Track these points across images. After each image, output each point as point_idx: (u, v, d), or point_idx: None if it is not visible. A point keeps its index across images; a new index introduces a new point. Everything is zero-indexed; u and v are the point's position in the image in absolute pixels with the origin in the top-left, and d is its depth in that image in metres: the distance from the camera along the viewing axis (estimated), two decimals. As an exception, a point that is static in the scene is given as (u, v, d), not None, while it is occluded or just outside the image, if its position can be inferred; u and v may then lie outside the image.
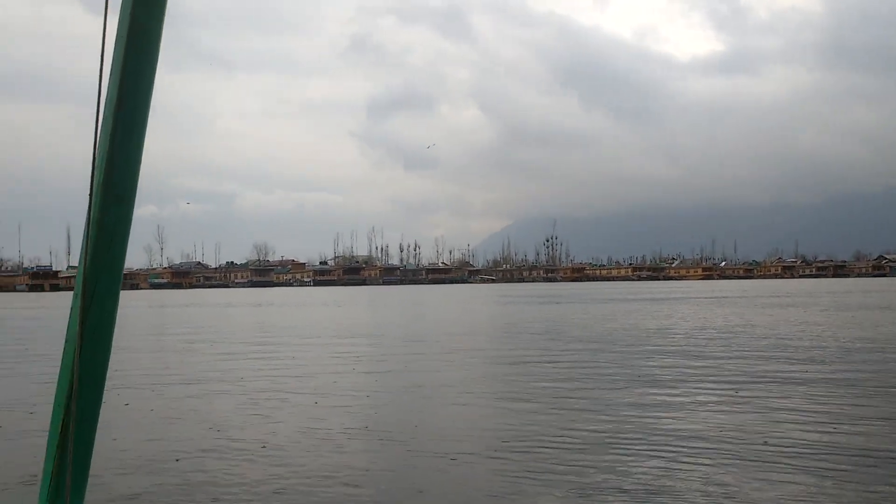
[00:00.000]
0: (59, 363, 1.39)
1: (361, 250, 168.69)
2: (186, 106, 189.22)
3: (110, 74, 1.36)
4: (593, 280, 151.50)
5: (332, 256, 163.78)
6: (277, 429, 7.11)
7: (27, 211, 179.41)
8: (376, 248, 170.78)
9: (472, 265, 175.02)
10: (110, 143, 1.34)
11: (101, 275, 1.36)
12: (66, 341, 1.38)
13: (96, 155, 1.36)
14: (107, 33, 1.37)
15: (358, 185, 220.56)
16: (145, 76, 1.35)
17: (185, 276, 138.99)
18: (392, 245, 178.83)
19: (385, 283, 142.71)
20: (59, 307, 43.01)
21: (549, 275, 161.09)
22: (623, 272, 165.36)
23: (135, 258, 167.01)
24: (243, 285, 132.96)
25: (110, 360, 1.37)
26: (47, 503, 1.35)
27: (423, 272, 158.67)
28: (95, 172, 1.35)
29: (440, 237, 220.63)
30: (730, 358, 12.40)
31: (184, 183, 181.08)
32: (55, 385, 1.39)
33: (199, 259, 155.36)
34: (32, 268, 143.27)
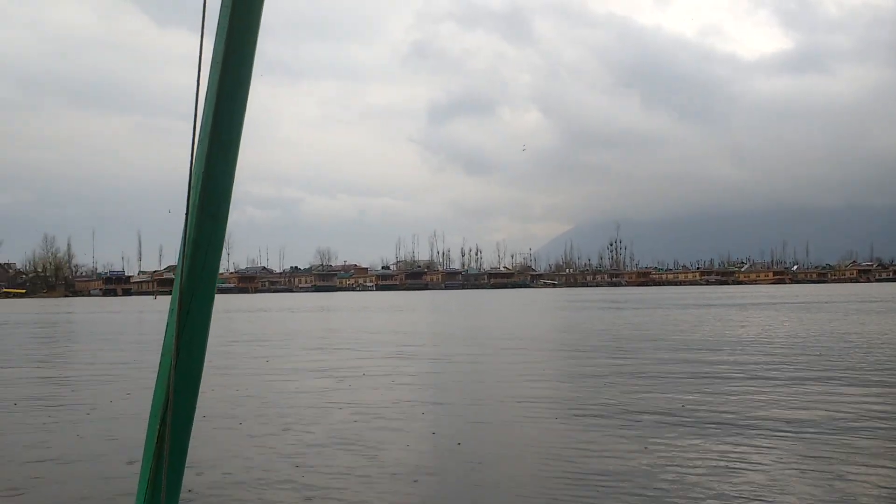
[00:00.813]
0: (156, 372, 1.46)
1: (423, 255, 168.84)
2: (251, 114, 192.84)
3: (206, 96, 1.42)
4: (659, 284, 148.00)
5: (394, 261, 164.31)
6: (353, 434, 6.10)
7: (100, 218, 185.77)
8: (437, 252, 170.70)
9: (534, 270, 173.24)
10: (206, 164, 1.40)
11: (196, 289, 1.41)
12: (162, 354, 1.43)
13: (192, 174, 1.42)
14: (195, 51, 1.46)
15: (419, 190, 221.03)
16: (239, 98, 1.41)
17: (251, 281, 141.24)
18: (453, 250, 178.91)
19: (447, 287, 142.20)
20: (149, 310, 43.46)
21: (614, 279, 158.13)
22: (690, 276, 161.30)
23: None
24: (307, 290, 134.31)
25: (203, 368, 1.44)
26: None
27: (485, 277, 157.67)
28: (191, 192, 1.42)
29: (501, 241, 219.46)
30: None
31: (249, 190, 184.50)
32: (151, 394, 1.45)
33: (264, 264, 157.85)
34: (106, 273, 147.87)
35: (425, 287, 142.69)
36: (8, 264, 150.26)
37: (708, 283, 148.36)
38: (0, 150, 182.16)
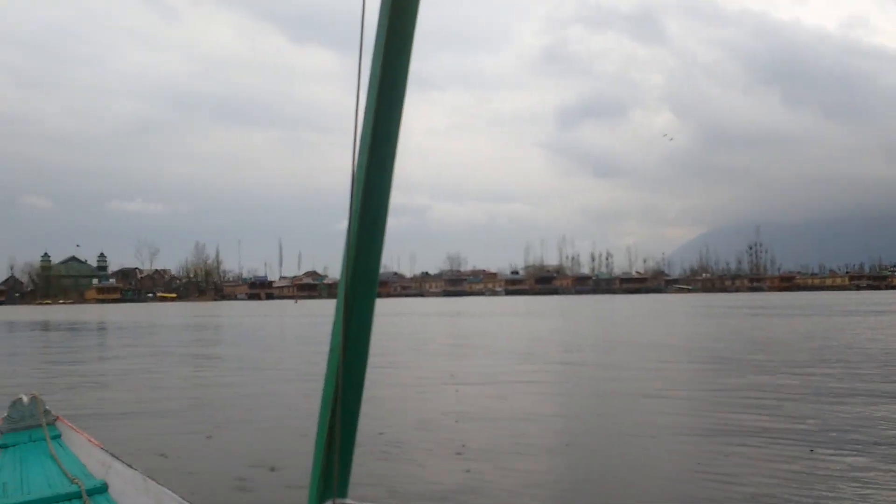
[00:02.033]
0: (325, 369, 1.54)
1: (551, 260, 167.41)
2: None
3: (365, 110, 1.48)
4: (804, 290, 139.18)
5: (523, 266, 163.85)
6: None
7: (245, 226, 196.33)
8: (567, 257, 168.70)
9: (667, 274, 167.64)
10: (366, 174, 1.47)
11: (359, 290, 1.50)
12: (330, 350, 1.51)
13: (354, 184, 1.49)
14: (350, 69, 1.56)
15: (547, 194, 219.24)
16: (395, 112, 1.48)
17: (383, 286, 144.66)
18: (583, 254, 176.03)
19: (577, 292, 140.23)
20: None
21: (755, 284, 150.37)
22: (839, 281, 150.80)
23: (339, 269, 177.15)
24: (437, 295, 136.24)
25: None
26: (316, 498, 1.49)
27: (617, 281, 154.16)
28: (353, 200, 1.49)
29: (632, 246, 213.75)
30: None
31: (349, 195, 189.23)
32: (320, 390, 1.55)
33: (395, 269, 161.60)
34: (250, 278, 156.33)
35: (555, 292, 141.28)
36: (164, 270, 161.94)
37: (858, 287, 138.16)
38: (159, 165, 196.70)
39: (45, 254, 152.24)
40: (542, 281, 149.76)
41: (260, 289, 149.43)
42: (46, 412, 4.57)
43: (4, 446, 4.33)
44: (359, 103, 1.49)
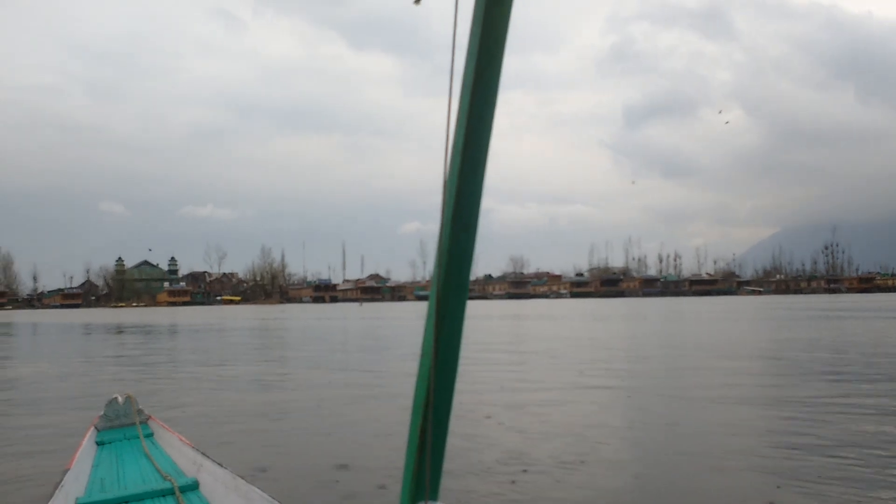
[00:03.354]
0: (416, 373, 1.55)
1: (617, 262, 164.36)
2: (439, 127, 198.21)
3: (457, 115, 1.48)
4: (885, 291, 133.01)
5: (587, 268, 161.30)
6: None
7: (309, 230, 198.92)
8: (633, 258, 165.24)
9: (738, 276, 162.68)
10: (458, 179, 1.47)
11: (450, 295, 1.49)
12: (421, 354, 1.51)
13: (446, 189, 1.49)
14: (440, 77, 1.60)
15: (611, 195, 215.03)
16: (487, 116, 1.48)
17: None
18: (650, 256, 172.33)
19: (645, 294, 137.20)
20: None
21: (832, 285, 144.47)
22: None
23: (401, 272, 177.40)
24: (500, 297, 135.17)
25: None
26: (409, 500, 1.51)
27: (686, 283, 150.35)
28: (445, 207, 1.49)
29: (701, 247, 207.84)
30: None
31: (440, 201, 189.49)
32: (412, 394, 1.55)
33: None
34: (315, 281, 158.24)
35: (621, 294, 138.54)
36: (231, 274, 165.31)
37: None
38: (226, 171, 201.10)
39: (120, 258, 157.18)
40: (608, 283, 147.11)
41: (324, 292, 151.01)
42: (139, 411, 4.82)
43: (101, 443, 4.52)
44: (450, 108, 1.48)
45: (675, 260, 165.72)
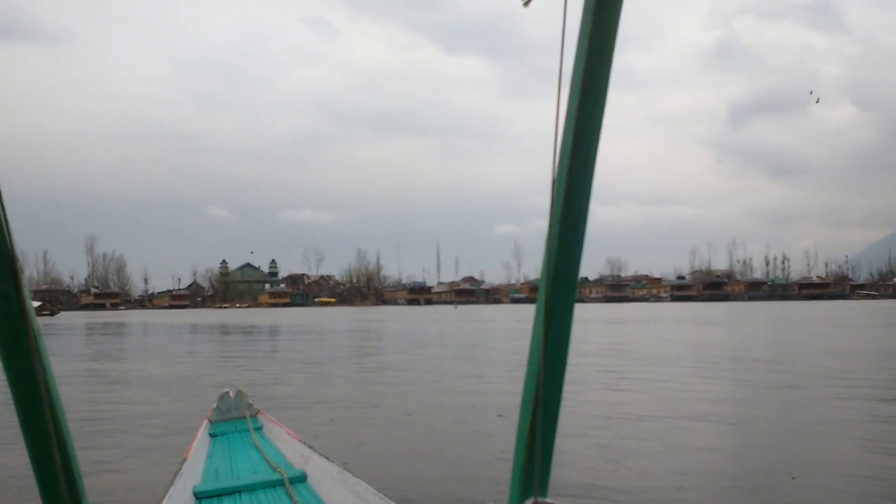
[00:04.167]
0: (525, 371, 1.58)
1: (720, 264, 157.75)
2: (530, 129, 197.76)
3: (566, 115, 1.49)
4: None
5: (689, 271, 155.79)
6: None
7: (404, 233, 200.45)
8: (737, 261, 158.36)
9: (851, 279, 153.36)
10: (567, 179, 1.49)
11: (559, 295, 1.51)
12: (530, 352, 1.55)
13: (554, 189, 1.51)
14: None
15: (713, 195, 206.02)
16: (597, 116, 1.49)
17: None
18: (755, 258, 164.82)
19: (751, 298, 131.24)
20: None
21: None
22: None
23: (495, 274, 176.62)
24: (598, 300, 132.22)
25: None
26: (518, 496, 1.54)
27: (795, 287, 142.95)
28: (553, 207, 1.51)
29: (809, 249, 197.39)
30: None
31: (535, 203, 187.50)
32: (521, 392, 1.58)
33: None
34: (410, 283, 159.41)
35: (726, 298, 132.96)
36: (329, 276, 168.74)
37: None
38: (323, 175, 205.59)
39: (224, 261, 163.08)
40: (711, 286, 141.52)
41: (419, 294, 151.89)
42: (249, 405, 5.00)
43: (214, 435, 4.70)
44: (559, 108, 1.48)
45: (782, 262, 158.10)
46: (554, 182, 1.51)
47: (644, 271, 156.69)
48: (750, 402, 9.44)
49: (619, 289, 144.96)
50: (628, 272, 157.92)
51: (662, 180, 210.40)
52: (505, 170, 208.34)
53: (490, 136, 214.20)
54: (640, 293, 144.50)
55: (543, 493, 1.54)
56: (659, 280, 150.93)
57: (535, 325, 1.53)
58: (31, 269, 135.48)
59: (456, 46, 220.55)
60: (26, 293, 1.30)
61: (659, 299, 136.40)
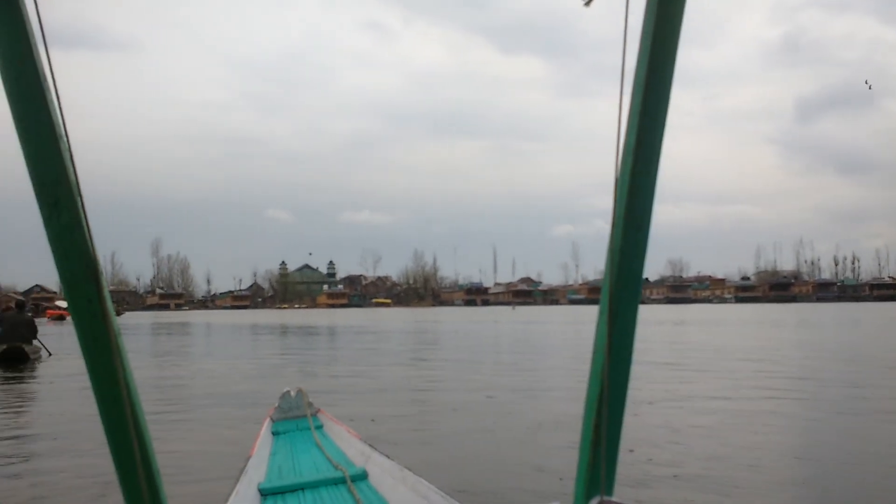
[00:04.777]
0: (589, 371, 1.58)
1: (786, 265, 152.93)
2: (587, 128, 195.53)
3: (628, 115, 1.49)
4: None
5: (754, 271, 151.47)
6: None
7: (460, 234, 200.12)
8: (805, 261, 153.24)
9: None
10: (631, 177, 1.49)
11: (622, 294, 1.51)
12: (594, 351, 1.55)
13: (618, 187, 1.51)
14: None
15: (779, 194, 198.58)
16: (660, 114, 1.48)
17: (600, 293, 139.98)
18: (823, 258, 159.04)
19: (819, 299, 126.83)
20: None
21: None
22: None
23: (553, 275, 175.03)
24: (659, 302, 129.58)
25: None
26: (583, 495, 1.55)
27: (866, 288, 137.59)
28: (616, 206, 1.51)
29: (881, 248, 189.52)
30: None
31: (593, 203, 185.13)
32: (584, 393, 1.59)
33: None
34: (466, 285, 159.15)
35: (793, 299, 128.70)
36: (386, 277, 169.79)
37: None
38: (380, 177, 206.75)
39: (283, 262, 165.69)
40: (777, 287, 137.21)
41: (476, 295, 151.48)
42: (310, 404, 5.09)
43: (276, 433, 4.76)
44: (622, 106, 1.46)
45: (853, 262, 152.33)
46: (617, 181, 1.50)
47: (707, 272, 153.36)
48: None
49: (681, 290, 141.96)
50: (690, 273, 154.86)
51: (725, 179, 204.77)
52: (562, 169, 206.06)
53: (546, 136, 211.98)
54: (703, 294, 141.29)
55: (609, 492, 1.53)
56: (722, 281, 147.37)
57: (599, 325, 1.52)
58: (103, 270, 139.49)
59: (512, 46, 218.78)
60: (107, 296, 1.36)
61: (723, 300, 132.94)
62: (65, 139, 1.32)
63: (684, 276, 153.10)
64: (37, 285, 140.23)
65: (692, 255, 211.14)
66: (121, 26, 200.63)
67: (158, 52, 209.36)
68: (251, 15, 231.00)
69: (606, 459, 1.51)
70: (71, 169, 1.32)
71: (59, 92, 1.31)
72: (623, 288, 1.49)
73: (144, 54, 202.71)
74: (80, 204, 1.32)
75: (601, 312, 1.51)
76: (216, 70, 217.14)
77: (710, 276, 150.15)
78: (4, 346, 15.45)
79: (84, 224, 1.32)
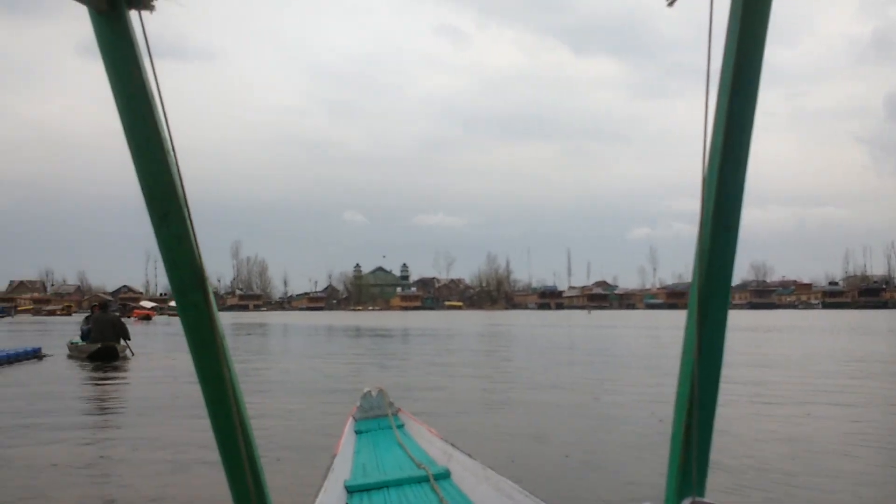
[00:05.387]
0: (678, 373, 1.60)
1: (877, 269, 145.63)
2: (666, 129, 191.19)
3: (715, 114, 1.49)
4: None
5: (842, 276, 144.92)
6: None
7: (533, 236, 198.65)
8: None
9: None
10: (719, 176, 1.50)
11: (711, 295, 1.54)
12: (683, 352, 1.58)
13: (705, 187, 1.52)
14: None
15: (869, 196, 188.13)
16: (748, 113, 1.48)
17: (680, 297, 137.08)
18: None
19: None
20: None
21: None
22: None
23: (629, 279, 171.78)
24: (742, 307, 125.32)
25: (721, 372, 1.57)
26: (674, 495, 1.57)
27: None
28: (704, 207, 1.53)
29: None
30: None
31: (671, 205, 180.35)
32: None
33: (689, 280, 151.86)
34: (540, 288, 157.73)
35: (884, 305, 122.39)
36: (459, 280, 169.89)
37: None
38: (453, 180, 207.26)
39: (357, 265, 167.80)
40: (867, 293, 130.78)
41: (549, 298, 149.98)
42: (390, 404, 5.14)
43: (359, 432, 4.82)
44: (707, 106, 1.47)
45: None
46: (704, 181, 1.50)
47: (792, 276, 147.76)
48: None
49: (764, 295, 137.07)
50: (774, 277, 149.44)
51: (811, 180, 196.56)
52: (638, 171, 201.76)
53: (622, 138, 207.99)
54: (788, 299, 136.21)
55: (701, 493, 1.54)
56: (808, 286, 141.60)
57: (688, 326, 1.54)
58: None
59: (585, 47, 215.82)
60: (213, 301, 1.45)
61: (809, 306, 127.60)
62: (172, 154, 1.39)
63: (768, 280, 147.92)
64: (124, 286, 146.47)
65: (776, 258, 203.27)
66: (205, 36, 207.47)
67: (239, 60, 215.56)
68: (328, 22, 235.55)
69: (698, 460, 1.53)
70: (179, 182, 1.39)
71: (165, 107, 1.38)
72: (712, 289, 1.51)
73: (226, 62, 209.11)
74: (187, 215, 1.40)
75: (690, 313, 1.54)
76: (295, 76, 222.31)
77: (795, 281, 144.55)
78: (99, 345, 16.52)
79: (191, 234, 1.40)
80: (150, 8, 1.33)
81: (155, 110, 1.36)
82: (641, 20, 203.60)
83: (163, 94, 1.36)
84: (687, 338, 1.55)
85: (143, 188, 1.38)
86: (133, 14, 1.32)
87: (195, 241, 1.41)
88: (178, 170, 1.40)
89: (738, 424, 7.55)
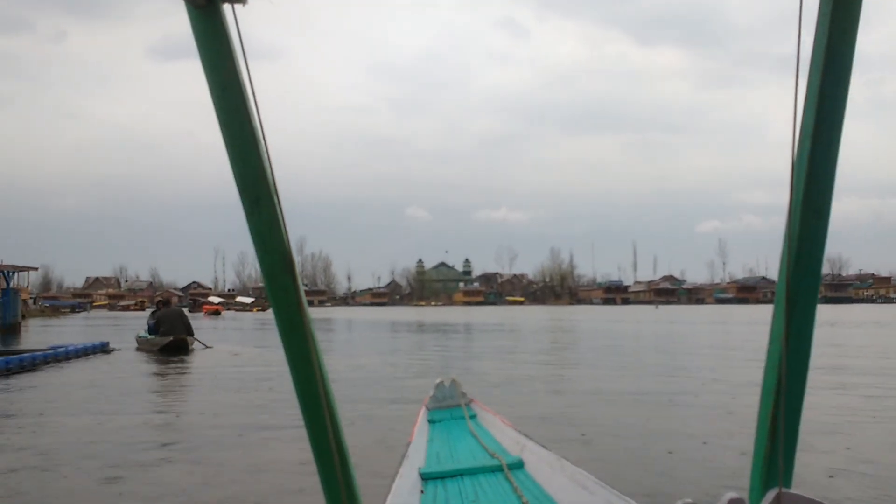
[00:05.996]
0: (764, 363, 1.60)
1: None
2: (737, 121, 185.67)
3: (805, 99, 1.48)
4: None
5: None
6: None
7: (598, 231, 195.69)
8: None
9: None
10: (809, 164, 1.48)
11: (802, 283, 1.52)
12: (770, 342, 1.56)
13: (794, 174, 1.50)
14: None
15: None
16: (839, 101, 1.47)
17: (751, 291, 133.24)
18: None
19: None
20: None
21: None
22: None
23: (697, 273, 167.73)
24: (819, 302, 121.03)
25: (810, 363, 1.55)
26: (760, 486, 1.56)
27: None
28: (793, 192, 1.51)
29: None
30: None
31: (741, 198, 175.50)
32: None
33: (763, 273, 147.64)
34: (605, 282, 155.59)
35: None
36: (521, 275, 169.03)
37: None
38: (516, 175, 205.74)
39: (420, 260, 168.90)
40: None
41: (615, 293, 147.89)
42: (463, 394, 5.21)
43: (432, 421, 4.90)
44: (797, 91, 1.46)
45: None
46: (793, 167, 1.48)
47: (869, 270, 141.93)
48: None
49: (840, 289, 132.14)
50: (851, 271, 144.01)
51: (892, 170, 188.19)
52: (706, 164, 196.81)
53: (688, 129, 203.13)
54: (866, 293, 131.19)
55: (787, 484, 1.53)
56: (888, 279, 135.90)
57: (775, 315, 1.52)
58: (250, 269, 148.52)
59: (650, 38, 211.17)
60: (300, 287, 1.49)
61: (888, 300, 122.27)
62: (263, 143, 1.43)
63: (844, 273, 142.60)
64: (194, 282, 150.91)
65: (852, 251, 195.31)
66: (271, 36, 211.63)
67: (304, 59, 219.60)
68: (390, 19, 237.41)
69: (785, 451, 1.50)
70: (269, 169, 1.44)
71: (257, 100, 1.43)
72: (802, 277, 1.48)
73: (291, 62, 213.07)
74: (276, 202, 1.44)
75: (777, 302, 1.51)
76: (358, 74, 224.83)
77: (872, 275, 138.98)
78: (171, 338, 17.44)
79: (281, 221, 1.45)
80: (243, 1, 1.37)
81: (247, 101, 1.41)
82: (708, 8, 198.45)
83: (255, 86, 1.41)
84: (774, 327, 1.53)
85: (235, 176, 1.43)
86: (227, 9, 1.38)
87: (284, 227, 1.46)
88: (269, 159, 1.44)
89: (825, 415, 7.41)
